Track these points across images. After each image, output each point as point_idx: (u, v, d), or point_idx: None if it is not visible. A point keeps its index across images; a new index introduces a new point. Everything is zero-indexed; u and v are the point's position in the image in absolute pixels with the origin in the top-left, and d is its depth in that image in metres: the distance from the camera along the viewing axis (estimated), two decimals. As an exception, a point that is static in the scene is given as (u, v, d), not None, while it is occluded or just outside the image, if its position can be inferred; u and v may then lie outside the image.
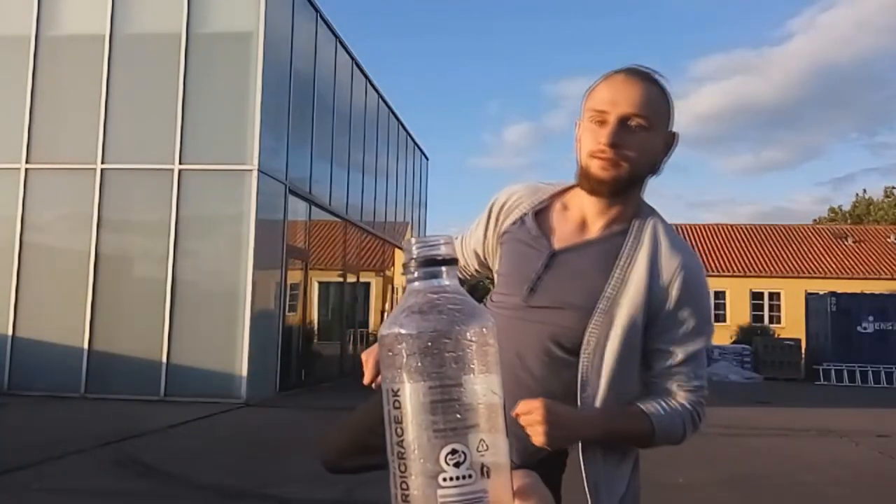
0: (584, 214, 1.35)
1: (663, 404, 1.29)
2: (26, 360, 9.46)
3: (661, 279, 1.28)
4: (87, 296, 9.45)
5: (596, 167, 1.27)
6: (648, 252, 1.29)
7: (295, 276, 11.40)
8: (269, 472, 5.37)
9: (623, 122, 1.25)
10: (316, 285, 12.82)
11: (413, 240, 0.54)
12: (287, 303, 10.76)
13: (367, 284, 15.87)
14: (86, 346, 9.37)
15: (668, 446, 1.35)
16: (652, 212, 1.37)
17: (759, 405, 11.43)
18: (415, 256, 0.53)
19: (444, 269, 0.52)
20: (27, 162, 9.79)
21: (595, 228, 1.34)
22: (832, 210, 42.60)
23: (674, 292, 1.28)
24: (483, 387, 0.48)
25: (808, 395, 14.18)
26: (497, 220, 1.48)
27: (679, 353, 1.29)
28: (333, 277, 13.86)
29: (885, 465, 6.63)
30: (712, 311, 1.37)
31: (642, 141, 1.26)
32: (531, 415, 1.15)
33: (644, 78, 1.29)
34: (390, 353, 0.49)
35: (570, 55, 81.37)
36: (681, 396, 1.30)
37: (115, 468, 5.49)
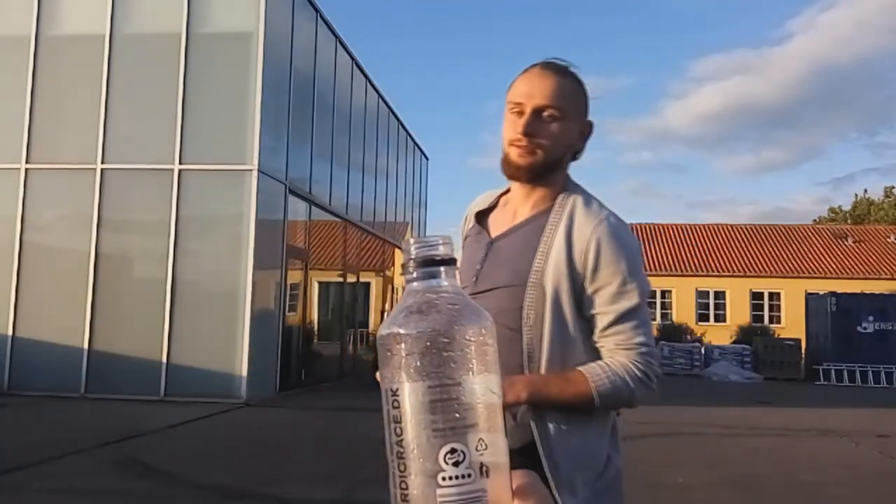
0: (516, 203, 1.47)
1: (603, 365, 1.32)
2: (26, 359, 9.46)
3: (577, 247, 1.35)
4: (87, 296, 9.45)
5: (514, 154, 1.38)
6: (566, 224, 1.37)
7: (295, 276, 11.40)
8: (269, 472, 5.37)
9: (537, 112, 1.36)
10: (316, 285, 12.82)
11: (412, 240, 0.54)
12: (287, 303, 10.75)
13: (367, 284, 15.88)
14: (86, 345, 9.37)
15: (626, 409, 1.38)
16: (576, 188, 1.45)
17: (759, 405, 11.43)
18: (413, 257, 0.53)
19: (442, 269, 0.52)
20: (27, 162, 9.80)
21: (523, 212, 1.44)
22: (832, 210, 42.58)
23: (591, 256, 1.33)
24: (482, 386, 0.48)
25: (808, 395, 14.17)
26: (463, 232, 1.63)
27: (611, 314, 1.34)
28: (333, 277, 13.86)
29: (886, 465, 6.63)
30: (639, 267, 1.38)
31: (555, 130, 1.37)
32: None
33: (558, 71, 1.39)
34: (389, 353, 0.49)
35: (570, 55, 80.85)
36: (622, 355, 1.33)
37: (115, 468, 5.49)
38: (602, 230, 1.34)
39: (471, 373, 0.48)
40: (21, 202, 9.75)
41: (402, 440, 0.47)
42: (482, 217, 1.52)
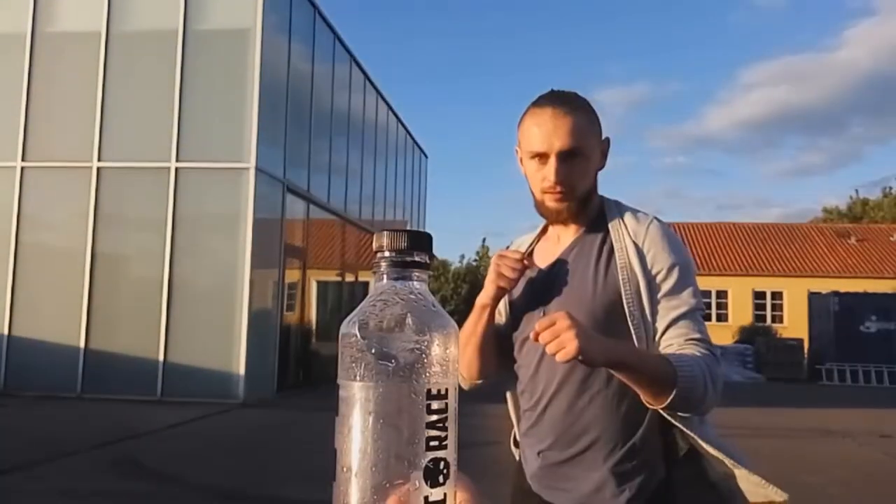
0: (557, 230, 1.52)
1: (684, 354, 1.32)
2: (22, 359, 9.42)
3: (645, 249, 1.40)
4: (83, 295, 9.41)
5: (550, 201, 1.43)
6: (626, 233, 1.42)
7: (293, 276, 11.35)
8: (268, 472, 5.34)
9: (562, 157, 1.39)
10: (314, 284, 12.77)
11: (385, 234, 0.50)
12: (285, 302, 10.71)
13: (366, 284, 15.83)
14: (82, 345, 9.33)
15: (693, 410, 1.31)
16: (615, 206, 1.49)
17: (762, 406, 11.38)
18: (386, 255, 0.50)
19: (414, 272, 0.49)
20: (23, 160, 9.76)
21: (567, 237, 1.49)
22: (826, 210, 42.03)
23: (656, 257, 1.39)
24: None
25: (810, 395, 14.12)
26: None
27: (682, 307, 1.36)
28: (332, 276, 13.82)
29: (889, 466, 6.59)
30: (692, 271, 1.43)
31: (582, 167, 1.41)
32: (555, 326, 1.15)
33: (569, 109, 1.40)
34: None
35: (624, 61, 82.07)
36: (689, 348, 1.33)
37: (112, 469, 5.47)
38: (654, 229, 1.41)
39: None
40: (17, 200, 9.71)
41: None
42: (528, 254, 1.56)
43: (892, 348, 17.27)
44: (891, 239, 28.27)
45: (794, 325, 22.86)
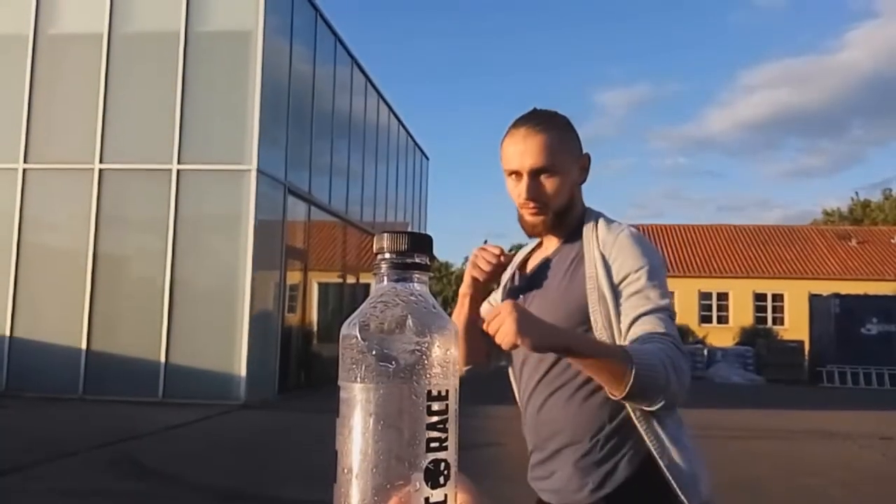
0: (546, 241, 1.60)
1: (644, 344, 1.31)
2: (24, 360, 9.42)
3: (608, 254, 1.44)
4: (85, 296, 9.41)
5: (527, 216, 1.50)
6: (595, 241, 1.47)
7: (294, 277, 11.36)
8: (268, 473, 5.34)
9: (534, 174, 1.45)
10: (315, 286, 12.77)
11: (386, 236, 0.51)
12: (286, 304, 10.71)
13: (367, 285, 15.84)
14: (84, 346, 9.33)
15: (656, 395, 1.27)
16: (594, 214, 1.54)
17: (762, 408, 11.37)
18: (386, 256, 0.50)
19: (415, 273, 0.49)
20: (25, 162, 9.77)
21: (551, 245, 1.57)
22: (826, 213, 41.94)
23: (618, 262, 1.43)
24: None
25: (811, 397, 14.11)
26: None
27: (647, 305, 1.37)
28: (333, 278, 13.82)
29: (889, 468, 6.58)
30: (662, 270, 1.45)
31: (555, 185, 1.46)
32: (500, 314, 1.19)
33: (542, 128, 1.45)
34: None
35: (609, 65, 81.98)
36: (652, 342, 1.32)
37: (113, 470, 5.47)
38: (623, 237, 1.45)
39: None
40: (19, 202, 9.72)
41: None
42: (522, 263, 1.67)
43: (893, 350, 17.24)
44: (891, 241, 28.24)
45: (795, 327, 22.83)
